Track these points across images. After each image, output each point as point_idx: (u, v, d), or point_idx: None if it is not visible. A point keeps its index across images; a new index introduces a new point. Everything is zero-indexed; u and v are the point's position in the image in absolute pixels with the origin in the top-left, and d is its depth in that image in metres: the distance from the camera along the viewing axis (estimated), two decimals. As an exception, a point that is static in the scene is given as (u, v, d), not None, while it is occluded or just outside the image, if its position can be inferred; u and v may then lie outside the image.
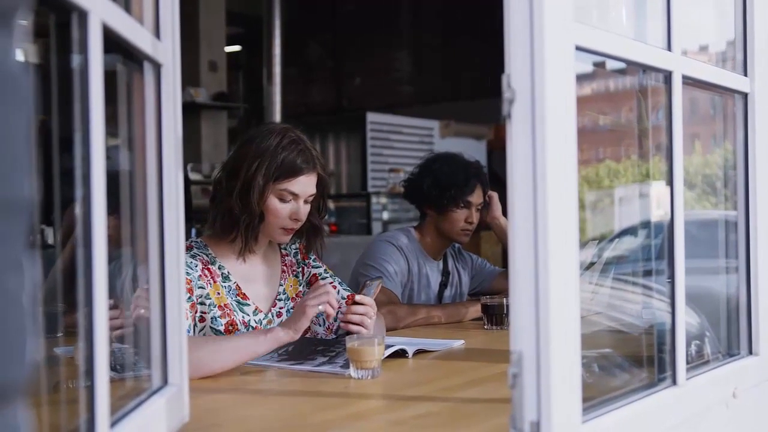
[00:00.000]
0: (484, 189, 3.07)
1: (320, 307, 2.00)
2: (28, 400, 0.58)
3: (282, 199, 2.21)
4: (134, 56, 1.29)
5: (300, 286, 2.41)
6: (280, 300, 2.34)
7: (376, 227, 7.36)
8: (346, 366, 1.92)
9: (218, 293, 2.19)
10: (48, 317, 1.33)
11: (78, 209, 1.00)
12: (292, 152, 2.19)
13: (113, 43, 1.11)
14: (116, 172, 1.31)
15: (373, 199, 7.53)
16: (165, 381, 1.38)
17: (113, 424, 1.08)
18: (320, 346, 2.16)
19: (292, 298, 2.37)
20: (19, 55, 0.55)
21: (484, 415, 1.59)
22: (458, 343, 2.37)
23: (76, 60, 1.01)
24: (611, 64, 1.59)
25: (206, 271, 2.19)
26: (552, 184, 1.17)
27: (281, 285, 2.36)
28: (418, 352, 2.20)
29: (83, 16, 0.99)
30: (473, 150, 7.26)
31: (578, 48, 1.26)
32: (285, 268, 2.39)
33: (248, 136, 2.27)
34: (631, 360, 1.73)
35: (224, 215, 2.21)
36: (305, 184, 2.23)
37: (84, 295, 1.00)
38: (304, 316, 2.00)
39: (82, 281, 1.00)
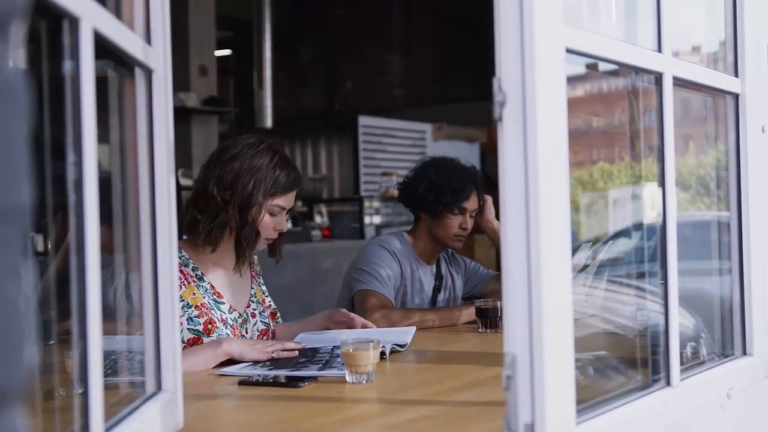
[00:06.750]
0: (479, 195, 3.05)
1: (274, 354, 2.13)
2: (26, 407, 0.58)
3: (272, 214, 2.32)
4: (125, 62, 1.28)
5: (263, 293, 2.54)
6: (253, 302, 2.45)
7: (369, 231, 7.33)
8: (344, 369, 1.92)
9: (194, 294, 2.27)
10: (41, 325, 1.32)
11: (71, 216, 1.00)
12: (284, 170, 2.31)
13: (103, 48, 1.11)
14: (107, 178, 1.31)
15: (366, 203, 7.50)
16: (159, 387, 1.37)
17: (107, 430, 1.08)
18: (307, 355, 2.15)
19: (261, 302, 2.49)
20: (15, 62, 0.55)
21: (480, 418, 1.58)
22: (411, 330, 2.44)
23: (67, 66, 1.01)
24: (603, 66, 1.60)
25: (179, 274, 2.22)
26: (544, 186, 1.17)
27: (252, 288, 2.48)
28: (395, 352, 2.24)
29: (74, 22, 0.99)
30: (466, 153, 7.26)
31: (569, 50, 1.27)
32: (254, 274, 2.51)
33: (234, 151, 2.30)
34: (626, 361, 1.73)
35: (219, 228, 2.28)
36: (292, 198, 2.37)
37: (77, 302, 1.00)
38: (249, 353, 2.11)
39: (76, 289, 1.00)
